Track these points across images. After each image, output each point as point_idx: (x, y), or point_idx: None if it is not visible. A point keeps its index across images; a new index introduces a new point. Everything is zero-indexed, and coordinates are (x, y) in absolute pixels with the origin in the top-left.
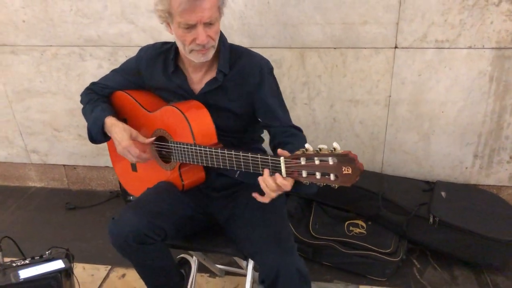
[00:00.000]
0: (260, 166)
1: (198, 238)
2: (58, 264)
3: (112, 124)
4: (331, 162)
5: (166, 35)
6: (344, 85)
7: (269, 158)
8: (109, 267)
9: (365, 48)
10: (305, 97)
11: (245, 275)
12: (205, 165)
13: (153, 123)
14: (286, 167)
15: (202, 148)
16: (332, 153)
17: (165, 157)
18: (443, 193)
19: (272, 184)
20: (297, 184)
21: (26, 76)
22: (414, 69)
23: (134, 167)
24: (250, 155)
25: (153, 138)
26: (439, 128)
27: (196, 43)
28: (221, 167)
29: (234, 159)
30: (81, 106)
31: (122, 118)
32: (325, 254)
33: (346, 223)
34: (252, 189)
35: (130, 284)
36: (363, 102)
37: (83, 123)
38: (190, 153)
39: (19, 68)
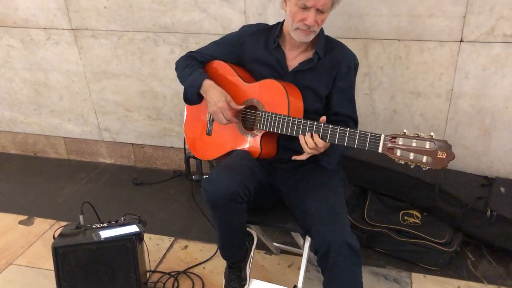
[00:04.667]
0: (356, 140)
1: (261, 213)
2: (133, 228)
3: (210, 86)
4: (427, 146)
5: (235, 24)
6: (406, 77)
7: (369, 133)
8: (173, 238)
9: (430, 41)
10: (366, 87)
11: (299, 254)
12: (294, 135)
13: (246, 93)
14: (383, 144)
15: (297, 120)
16: (431, 138)
17: (247, 125)
18: (502, 189)
19: (311, 143)
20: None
21: (103, 59)
22: (478, 63)
23: (209, 131)
24: (348, 129)
25: (244, 106)
26: (501, 124)
27: (303, 23)
28: None
29: (329, 132)
30: (152, 87)
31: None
32: (379, 241)
33: (401, 212)
34: (313, 165)
35: (192, 255)
36: (425, 94)
37: (153, 104)
38: (282, 123)
39: (98, 51)
